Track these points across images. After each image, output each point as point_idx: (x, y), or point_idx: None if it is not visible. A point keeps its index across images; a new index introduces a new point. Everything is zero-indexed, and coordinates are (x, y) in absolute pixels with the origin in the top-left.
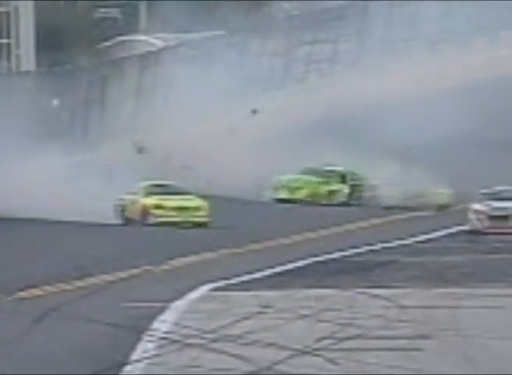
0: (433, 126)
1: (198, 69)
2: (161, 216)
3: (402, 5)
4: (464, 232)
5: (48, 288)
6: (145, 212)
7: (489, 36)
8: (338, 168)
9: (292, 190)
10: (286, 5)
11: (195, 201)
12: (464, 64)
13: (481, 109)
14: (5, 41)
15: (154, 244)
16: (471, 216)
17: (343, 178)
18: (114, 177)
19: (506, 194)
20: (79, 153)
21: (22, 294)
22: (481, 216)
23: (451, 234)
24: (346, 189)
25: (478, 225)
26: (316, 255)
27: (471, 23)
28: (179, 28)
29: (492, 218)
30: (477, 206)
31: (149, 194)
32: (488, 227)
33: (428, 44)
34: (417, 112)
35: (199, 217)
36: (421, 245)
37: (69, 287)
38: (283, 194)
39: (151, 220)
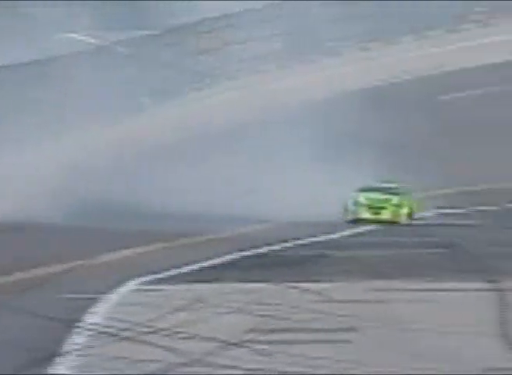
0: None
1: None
2: None
3: (333, 5)
4: None
5: None
6: None
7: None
8: (395, 184)
9: (376, 210)
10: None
11: None
12: (396, 61)
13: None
14: None
15: (85, 239)
16: None
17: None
18: None
19: None
20: None
21: None
22: None
23: None
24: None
25: None
26: (243, 250)
27: (401, 22)
28: (112, 27)
29: None
30: None
31: None
32: None
33: (358, 43)
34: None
35: None
36: None
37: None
38: (366, 215)
39: None
